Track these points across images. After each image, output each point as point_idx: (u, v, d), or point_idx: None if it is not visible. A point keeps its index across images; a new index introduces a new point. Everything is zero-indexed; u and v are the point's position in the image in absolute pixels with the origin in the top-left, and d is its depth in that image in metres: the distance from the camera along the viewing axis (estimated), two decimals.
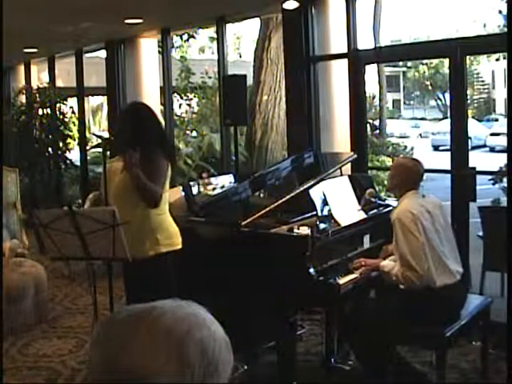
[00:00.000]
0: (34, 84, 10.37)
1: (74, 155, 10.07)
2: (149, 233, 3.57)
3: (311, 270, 3.44)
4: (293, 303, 3.62)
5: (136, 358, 0.95)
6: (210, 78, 12.54)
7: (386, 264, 3.62)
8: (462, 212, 4.84)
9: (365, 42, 27.28)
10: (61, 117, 9.47)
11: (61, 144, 9.46)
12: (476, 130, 21.99)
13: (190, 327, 0.98)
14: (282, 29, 6.67)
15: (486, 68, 33.51)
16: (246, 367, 4.02)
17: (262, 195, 4.56)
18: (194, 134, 11.89)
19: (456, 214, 4.81)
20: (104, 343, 0.99)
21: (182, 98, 13.03)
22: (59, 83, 11.03)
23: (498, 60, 30.41)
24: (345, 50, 5.71)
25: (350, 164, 5.02)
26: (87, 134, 10.38)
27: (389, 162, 11.86)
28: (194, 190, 4.51)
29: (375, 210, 4.21)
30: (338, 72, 5.92)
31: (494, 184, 5.24)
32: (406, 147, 13.75)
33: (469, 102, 24.31)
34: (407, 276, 3.43)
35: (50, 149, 9.39)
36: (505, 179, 4.83)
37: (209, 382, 0.98)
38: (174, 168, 3.74)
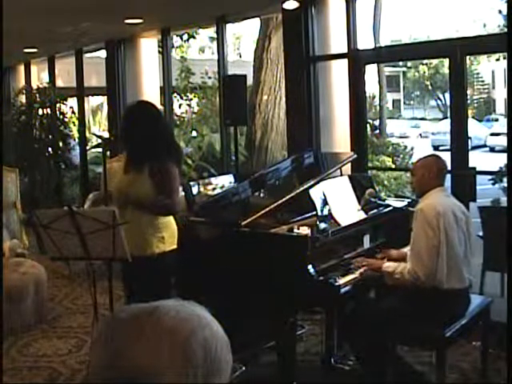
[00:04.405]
0: (34, 84, 10.38)
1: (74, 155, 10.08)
2: (156, 231, 3.59)
3: (311, 270, 3.43)
4: (293, 303, 3.62)
5: (140, 358, 0.95)
6: (209, 78, 12.53)
7: (389, 264, 3.59)
8: None
9: (365, 42, 27.26)
10: (61, 117, 9.48)
11: (61, 144, 9.46)
12: (476, 129, 21.97)
13: (194, 327, 0.98)
14: (282, 29, 6.67)
15: (486, 68, 33.49)
16: (243, 368, 4.02)
17: (261, 195, 4.56)
18: (194, 133, 11.89)
19: None
20: (108, 342, 0.99)
21: (182, 98, 13.03)
22: (59, 83, 11.03)
23: (498, 60, 30.38)
24: (345, 50, 5.71)
25: (350, 164, 5.02)
26: (87, 134, 10.39)
27: (389, 161, 11.84)
28: (194, 190, 4.51)
29: (375, 210, 4.21)
30: (338, 72, 5.92)
31: (493, 184, 5.25)
32: (406, 147, 13.72)
33: (469, 102, 24.26)
34: (414, 271, 3.39)
35: (49, 149, 9.40)
36: (505, 179, 4.83)
37: (211, 382, 0.98)
38: (180, 172, 3.72)
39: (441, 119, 28.55)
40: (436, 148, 22.05)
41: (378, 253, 3.94)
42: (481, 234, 5.24)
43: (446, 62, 5.27)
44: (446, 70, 20.95)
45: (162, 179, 3.50)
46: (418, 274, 3.39)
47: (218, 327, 1.03)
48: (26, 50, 9.23)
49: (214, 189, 4.73)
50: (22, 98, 10.00)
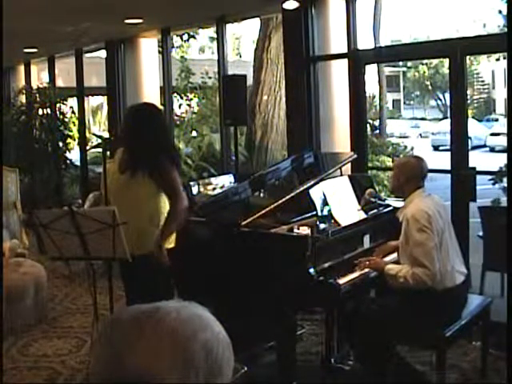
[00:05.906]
0: (34, 84, 10.38)
1: (74, 155, 10.08)
2: (158, 229, 3.60)
3: (311, 270, 3.43)
4: (293, 303, 3.62)
5: (141, 359, 0.95)
6: (210, 78, 12.55)
7: (391, 267, 3.56)
8: (462, 212, 4.83)
9: (365, 42, 27.30)
10: (61, 117, 9.48)
11: (61, 144, 9.46)
12: (476, 129, 21.99)
13: (195, 328, 0.98)
14: (281, 29, 6.67)
15: (486, 68, 33.51)
16: (245, 368, 4.02)
17: (262, 195, 4.56)
18: (194, 133, 11.90)
19: (456, 214, 4.81)
20: (109, 343, 0.99)
21: (181, 98, 13.04)
22: (59, 83, 11.03)
23: (498, 60, 30.41)
24: (345, 50, 5.71)
25: (350, 164, 5.02)
26: (87, 134, 10.38)
27: (389, 161, 11.85)
28: (194, 190, 4.51)
29: (375, 210, 4.21)
30: (338, 72, 5.92)
31: (493, 184, 5.23)
32: (406, 147, 13.75)
33: (469, 102, 24.30)
34: (418, 276, 3.38)
35: (50, 149, 9.40)
36: (505, 179, 4.83)
37: (213, 383, 0.98)
38: (179, 171, 3.75)
39: (441, 119, 28.58)
40: (436, 148, 22.08)
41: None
42: (481, 234, 5.24)
43: (446, 62, 5.27)
44: (446, 70, 20.97)
45: (162, 180, 3.54)
46: (423, 279, 3.38)
47: (219, 328, 1.02)
48: (26, 50, 9.22)
49: (214, 189, 4.73)
50: (22, 98, 9.99)
